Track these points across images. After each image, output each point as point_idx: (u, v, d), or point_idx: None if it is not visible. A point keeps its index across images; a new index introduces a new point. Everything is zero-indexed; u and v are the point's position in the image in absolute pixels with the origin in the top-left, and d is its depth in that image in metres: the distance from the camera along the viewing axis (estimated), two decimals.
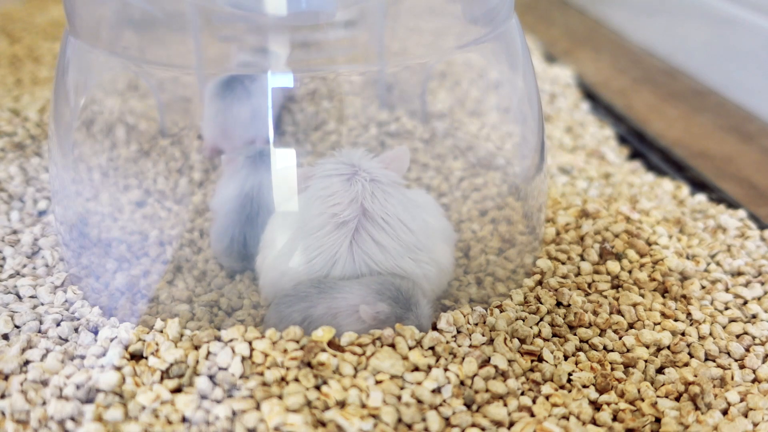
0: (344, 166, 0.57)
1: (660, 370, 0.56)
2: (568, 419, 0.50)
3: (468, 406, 0.49)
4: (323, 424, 0.46)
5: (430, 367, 0.51)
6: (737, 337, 0.59)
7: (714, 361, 0.57)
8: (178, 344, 0.52)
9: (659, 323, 0.60)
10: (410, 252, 0.56)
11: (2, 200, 0.75)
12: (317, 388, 0.49)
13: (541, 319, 0.59)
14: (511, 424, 0.48)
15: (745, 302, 0.63)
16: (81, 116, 0.69)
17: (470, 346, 0.54)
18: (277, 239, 0.58)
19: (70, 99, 0.62)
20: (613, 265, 0.65)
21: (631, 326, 0.59)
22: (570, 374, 0.54)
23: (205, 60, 0.61)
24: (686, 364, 0.56)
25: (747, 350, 0.57)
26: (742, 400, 0.52)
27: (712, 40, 1.13)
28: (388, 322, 0.53)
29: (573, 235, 0.69)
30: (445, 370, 0.51)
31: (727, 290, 0.64)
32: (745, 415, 0.52)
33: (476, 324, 0.56)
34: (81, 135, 0.74)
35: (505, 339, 0.55)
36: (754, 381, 0.55)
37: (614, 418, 0.51)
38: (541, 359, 0.55)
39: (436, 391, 0.49)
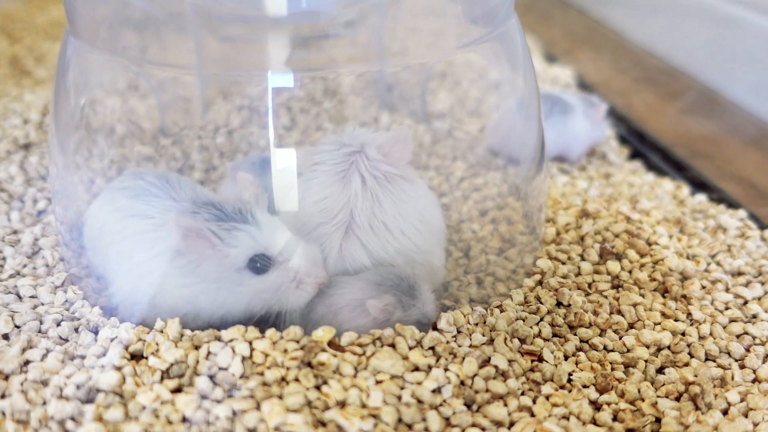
0: (343, 155, 0.58)
1: (660, 370, 0.56)
2: (568, 419, 0.50)
3: (468, 406, 0.49)
4: (323, 424, 0.46)
5: (430, 367, 0.51)
6: (737, 337, 0.59)
7: (714, 361, 0.57)
8: (178, 344, 0.52)
9: (659, 323, 0.60)
10: (401, 255, 0.56)
11: (2, 200, 0.75)
12: (317, 388, 0.49)
13: (542, 319, 0.59)
14: (512, 424, 0.48)
15: (746, 302, 0.63)
16: (81, 116, 0.69)
17: (470, 346, 0.54)
18: None
19: (70, 99, 0.62)
20: (613, 265, 0.65)
21: (631, 326, 0.59)
22: (570, 374, 0.54)
23: (205, 60, 0.61)
24: (686, 364, 0.56)
25: (747, 350, 0.57)
26: (742, 400, 0.52)
27: (712, 40, 1.13)
28: (396, 312, 0.53)
29: (573, 235, 0.69)
30: (446, 370, 0.51)
31: (727, 290, 0.64)
32: (746, 415, 0.51)
33: (476, 324, 0.56)
34: (81, 135, 0.74)
35: (506, 339, 0.55)
36: (754, 381, 0.55)
37: (614, 418, 0.51)
38: (541, 359, 0.55)
39: (437, 391, 0.49)
